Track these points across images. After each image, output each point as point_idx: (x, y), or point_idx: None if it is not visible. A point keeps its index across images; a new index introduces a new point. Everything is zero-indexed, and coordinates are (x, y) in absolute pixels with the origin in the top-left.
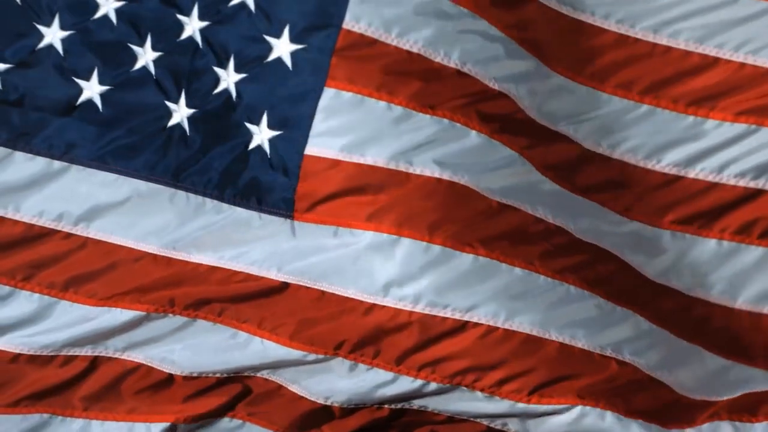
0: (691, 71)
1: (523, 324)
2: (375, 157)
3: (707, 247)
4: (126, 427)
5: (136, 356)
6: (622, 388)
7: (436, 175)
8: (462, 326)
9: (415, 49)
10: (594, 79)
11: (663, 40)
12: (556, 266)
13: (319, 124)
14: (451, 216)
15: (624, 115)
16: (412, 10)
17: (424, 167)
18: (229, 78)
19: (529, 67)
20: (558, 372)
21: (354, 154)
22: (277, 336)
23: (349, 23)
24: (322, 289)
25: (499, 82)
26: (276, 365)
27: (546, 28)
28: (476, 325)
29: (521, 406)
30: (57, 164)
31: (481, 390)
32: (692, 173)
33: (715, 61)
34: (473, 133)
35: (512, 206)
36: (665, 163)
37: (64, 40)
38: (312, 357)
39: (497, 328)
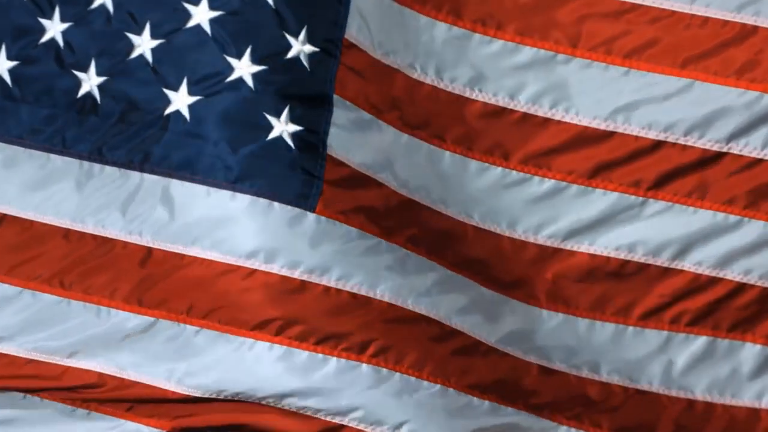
0: (731, 41)
1: None
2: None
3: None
4: (122, 424)
5: (144, 377)
6: None
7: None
8: None
9: (395, 66)
10: (628, 58)
11: (700, 10)
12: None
13: (335, 127)
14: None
15: (661, 92)
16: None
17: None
18: (243, 69)
19: (537, 57)
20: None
21: (368, 167)
22: (289, 339)
23: (348, 33)
24: (346, 289)
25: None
26: (292, 392)
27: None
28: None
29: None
30: (65, 160)
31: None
32: (736, 149)
33: (754, 30)
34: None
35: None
36: (707, 139)
37: (64, 33)
38: (333, 364)
39: None
